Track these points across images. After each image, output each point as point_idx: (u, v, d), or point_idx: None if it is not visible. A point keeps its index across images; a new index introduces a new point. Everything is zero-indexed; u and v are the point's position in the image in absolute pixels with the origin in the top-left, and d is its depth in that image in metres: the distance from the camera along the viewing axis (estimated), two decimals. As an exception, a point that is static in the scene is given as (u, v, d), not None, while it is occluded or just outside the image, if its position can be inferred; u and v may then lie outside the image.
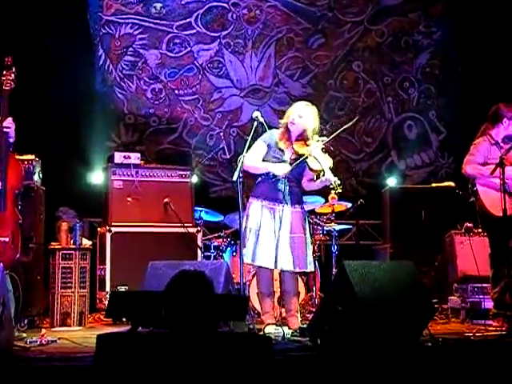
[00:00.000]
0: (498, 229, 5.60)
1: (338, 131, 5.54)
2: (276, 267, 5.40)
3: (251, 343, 3.17)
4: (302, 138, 5.44)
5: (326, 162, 5.31)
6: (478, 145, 5.88)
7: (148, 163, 7.53)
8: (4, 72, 5.02)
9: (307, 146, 5.38)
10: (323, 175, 5.25)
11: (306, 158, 5.32)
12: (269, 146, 5.50)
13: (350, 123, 5.61)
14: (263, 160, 5.50)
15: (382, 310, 4.51)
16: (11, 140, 4.94)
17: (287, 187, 5.44)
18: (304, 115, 5.45)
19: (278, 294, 5.94)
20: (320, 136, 5.48)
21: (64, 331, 5.85)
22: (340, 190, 5.22)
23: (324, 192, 7.46)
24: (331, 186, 5.23)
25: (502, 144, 5.78)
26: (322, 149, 5.38)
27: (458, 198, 7.11)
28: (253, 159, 5.43)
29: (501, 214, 5.38)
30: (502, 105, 5.86)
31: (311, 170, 5.36)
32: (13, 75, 4.95)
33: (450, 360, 4.14)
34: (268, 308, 5.54)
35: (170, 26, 8.82)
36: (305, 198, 5.89)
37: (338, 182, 5.21)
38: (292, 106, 5.63)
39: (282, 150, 5.49)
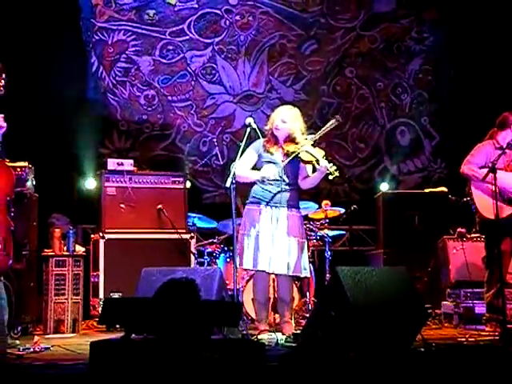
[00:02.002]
0: (491, 231, 5.61)
1: (326, 128, 5.47)
2: (269, 270, 5.39)
3: (245, 349, 3.17)
4: (290, 140, 5.45)
5: (319, 152, 5.32)
6: (481, 146, 5.89)
7: (141, 169, 7.51)
8: (-6, 78, 4.99)
9: (297, 144, 5.39)
10: (318, 164, 5.25)
11: (298, 153, 5.33)
12: (259, 153, 5.50)
13: (331, 122, 5.52)
14: (255, 168, 5.50)
15: (375, 316, 4.52)
16: None
17: (283, 190, 5.42)
18: (287, 119, 5.45)
19: (272, 300, 5.94)
20: (308, 134, 5.48)
21: (57, 338, 5.82)
22: (337, 174, 5.20)
23: (317, 198, 7.54)
24: (327, 172, 5.21)
25: (506, 150, 5.78)
26: (312, 144, 5.38)
27: (450, 204, 7.12)
28: (243, 169, 5.41)
29: (493, 217, 5.40)
30: (508, 113, 5.84)
31: (306, 162, 5.36)
32: (3, 81, 4.92)
33: (443, 365, 4.14)
34: (263, 315, 5.53)
35: (162, 33, 8.83)
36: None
37: (334, 167, 5.20)
38: (274, 111, 5.64)
39: (273, 154, 5.48)
